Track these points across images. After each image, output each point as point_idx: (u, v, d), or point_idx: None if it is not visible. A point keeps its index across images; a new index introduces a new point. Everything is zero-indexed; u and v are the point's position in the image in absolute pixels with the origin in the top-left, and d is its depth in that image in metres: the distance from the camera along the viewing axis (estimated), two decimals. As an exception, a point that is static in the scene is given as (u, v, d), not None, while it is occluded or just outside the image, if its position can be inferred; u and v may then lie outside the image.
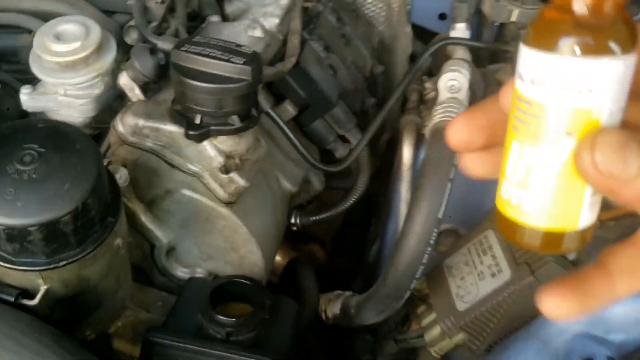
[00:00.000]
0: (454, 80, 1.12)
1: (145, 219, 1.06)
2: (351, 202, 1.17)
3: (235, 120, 0.92)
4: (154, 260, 1.10)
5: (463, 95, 1.15)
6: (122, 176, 1.00)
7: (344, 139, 1.34)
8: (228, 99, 0.86)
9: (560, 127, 0.32)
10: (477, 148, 0.39)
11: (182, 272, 1.10)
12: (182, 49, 0.87)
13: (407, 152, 1.25)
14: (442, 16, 1.41)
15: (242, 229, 1.05)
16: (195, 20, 1.19)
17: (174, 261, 1.09)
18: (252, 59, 0.86)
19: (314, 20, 1.19)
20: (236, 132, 0.92)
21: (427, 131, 1.10)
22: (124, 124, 0.99)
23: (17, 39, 1.01)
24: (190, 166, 1.02)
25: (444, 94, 1.16)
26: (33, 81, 0.95)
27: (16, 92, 0.97)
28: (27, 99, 0.93)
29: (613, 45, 0.32)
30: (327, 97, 1.27)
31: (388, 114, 1.28)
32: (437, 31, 1.40)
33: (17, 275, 0.82)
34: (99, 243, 0.85)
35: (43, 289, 0.83)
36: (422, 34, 1.47)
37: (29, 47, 0.92)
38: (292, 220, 1.30)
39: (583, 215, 0.35)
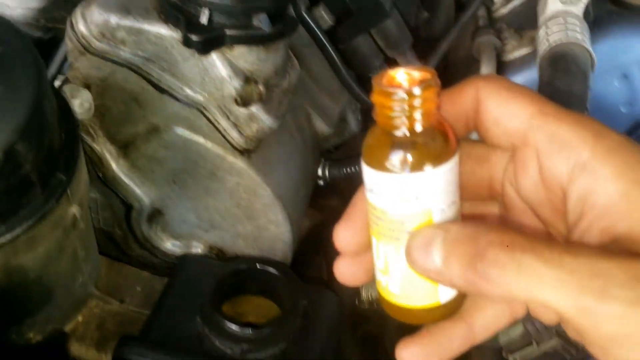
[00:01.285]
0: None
1: (118, 168, 0.72)
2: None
3: (264, 21, 0.57)
4: (129, 226, 0.76)
5: (580, 9, 0.81)
6: (83, 103, 0.65)
7: (389, 64, 0.98)
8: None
9: (401, 227, 0.38)
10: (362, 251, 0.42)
11: (171, 245, 0.77)
12: None
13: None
14: None
15: (263, 190, 0.71)
16: None
17: (159, 229, 0.76)
18: None
19: None
20: (264, 41, 0.57)
21: (542, 56, 0.75)
22: (88, 22, 0.64)
23: None
24: (189, 92, 0.67)
25: (554, 6, 0.81)
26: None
27: None
28: None
29: (431, 159, 0.36)
30: (377, 3, 0.90)
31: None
32: None
33: None
34: (38, 217, 0.51)
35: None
36: None
37: None
38: (319, 172, 0.95)
39: (442, 292, 0.39)
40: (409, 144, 0.36)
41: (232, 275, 0.68)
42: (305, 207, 0.84)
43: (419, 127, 0.36)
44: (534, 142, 0.38)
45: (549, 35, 0.76)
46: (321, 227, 0.98)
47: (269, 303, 0.72)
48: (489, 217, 0.44)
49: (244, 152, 0.70)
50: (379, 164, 0.37)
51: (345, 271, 0.44)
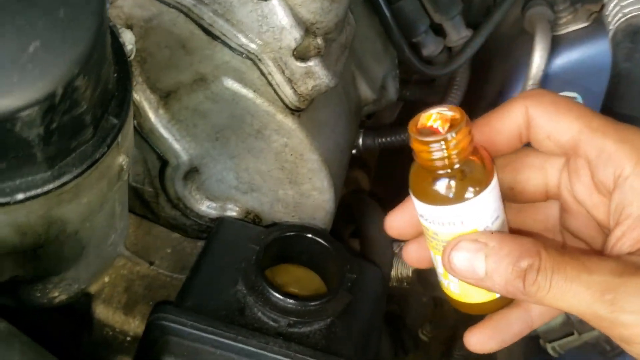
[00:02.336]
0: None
1: (157, 119, 0.67)
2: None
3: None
4: (163, 184, 0.71)
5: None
6: (125, 44, 0.59)
7: (435, 31, 0.93)
8: None
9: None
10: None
11: (206, 207, 0.72)
12: None
13: (538, 58, 0.87)
14: None
15: (311, 154, 0.66)
16: None
17: (194, 189, 0.71)
18: None
19: None
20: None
21: (615, 29, 0.70)
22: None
23: None
24: (243, 40, 0.61)
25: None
26: None
27: None
28: None
29: (470, 189, 0.41)
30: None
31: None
32: None
33: None
34: (89, 164, 0.45)
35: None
36: None
37: None
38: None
39: None
40: (449, 180, 0.41)
41: (279, 241, 0.63)
42: (345, 176, 0.79)
43: (456, 165, 0.40)
44: (584, 154, 0.43)
45: (623, 5, 0.71)
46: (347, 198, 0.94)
47: (311, 275, 0.67)
48: (526, 232, 0.48)
49: (294, 111, 0.65)
50: (425, 197, 0.42)
51: (412, 254, 0.49)
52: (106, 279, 0.68)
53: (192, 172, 0.70)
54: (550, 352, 0.84)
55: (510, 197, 0.47)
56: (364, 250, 0.82)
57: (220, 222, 0.69)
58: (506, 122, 0.45)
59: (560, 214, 0.49)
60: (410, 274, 0.90)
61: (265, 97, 0.64)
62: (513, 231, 0.46)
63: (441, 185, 0.41)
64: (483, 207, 0.41)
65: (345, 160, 0.77)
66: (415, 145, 0.40)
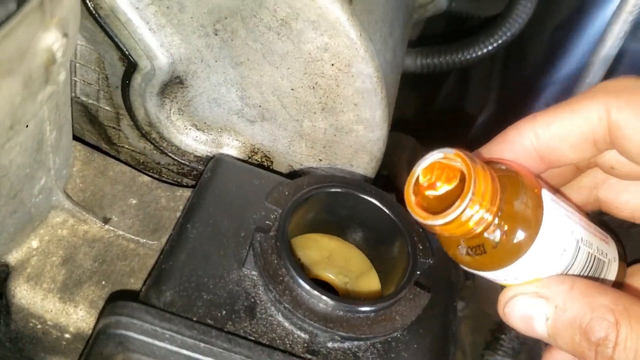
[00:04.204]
0: None
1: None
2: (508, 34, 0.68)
3: None
4: (127, 100, 0.46)
5: None
6: None
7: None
8: None
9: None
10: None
11: (191, 139, 0.48)
12: None
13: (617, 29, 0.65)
14: None
15: (364, 65, 0.43)
16: None
17: (176, 111, 0.47)
18: None
19: None
20: None
21: None
22: None
23: None
24: None
25: None
26: None
27: None
28: None
29: (507, 257, 0.34)
30: None
31: None
32: None
33: None
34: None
35: None
36: None
37: None
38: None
39: None
40: (479, 253, 0.34)
41: (316, 202, 0.40)
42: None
43: (493, 236, 0.34)
44: None
45: None
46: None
47: (353, 252, 0.44)
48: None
49: (345, -6, 0.41)
50: (468, 266, 0.35)
51: None
52: (34, 244, 0.43)
53: (172, 85, 0.46)
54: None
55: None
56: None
57: (216, 162, 0.45)
58: (575, 127, 0.36)
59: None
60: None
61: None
62: None
63: (473, 256, 0.34)
64: (540, 255, 0.34)
65: (398, 83, 0.53)
66: (427, 227, 0.34)
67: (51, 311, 0.43)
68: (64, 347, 0.44)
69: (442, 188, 0.33)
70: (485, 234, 0.33)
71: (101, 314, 0.36)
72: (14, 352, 0.46)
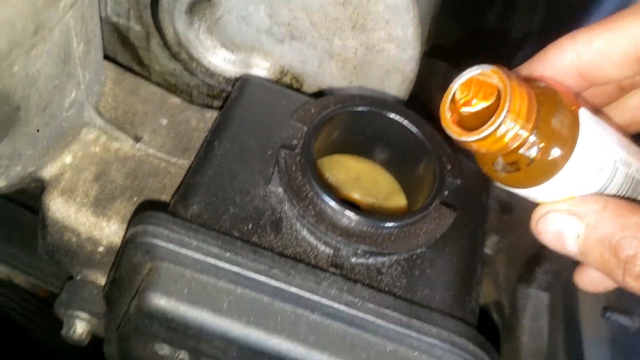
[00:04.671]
0: None
1: None
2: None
3: None
4: (157, 19, 0.46)
5: None
6: None
7: None
8: None
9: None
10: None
11: (221, 59, 0.48)
12: None
13: None
14: None
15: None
16: None
17: (205, 30, 0.47)
18: None
19: None
20: None
21: None
22: None
23: None
24: None
25: None
26: None
27: None
28: None
29: (543, 173, 0.34)
30: None
31: None
32: None
33: None
34: None
35: None
36: None
37: None
38: None
39: None
40: (514, 170, 0.34)
41: (341, 120, 0.40)
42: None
43: (529, 153, 0.33)
44: None
45: None
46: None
47: (380, 173, 0.44)
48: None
49: None
50: (503, 183, 0.36)
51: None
52: (67, 160, 0.45)
53: (201, 2, 0.45)
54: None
55: None
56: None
57: (244, 82, 0.45)
58: (618, 44, 0.34)
59: None
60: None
61: None
62: None
63: (509, 173, 0.34)
64: (574, 174, 0.34)
65: (434, 2, 0.51)
66: (462, 144, 0.33)
67: (85, 224, 0.44)
68: (97, 260, 0.46)
69: (479, 105, 0.33)
70: (521, 151, 0.33)
71: (130, 224, 0.37)
72: (51, 264, 0.48)
